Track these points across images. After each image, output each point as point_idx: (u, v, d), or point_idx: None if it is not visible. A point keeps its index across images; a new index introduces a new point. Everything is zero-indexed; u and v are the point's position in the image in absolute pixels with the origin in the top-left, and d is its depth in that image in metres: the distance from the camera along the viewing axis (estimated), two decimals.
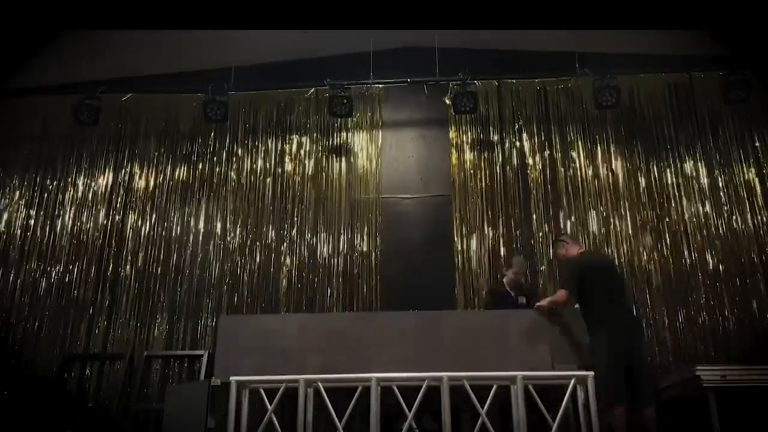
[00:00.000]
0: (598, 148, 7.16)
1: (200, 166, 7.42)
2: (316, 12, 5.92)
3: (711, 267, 6.55)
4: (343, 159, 7.37)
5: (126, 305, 6.81)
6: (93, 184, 7.40)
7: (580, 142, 7.20)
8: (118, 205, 7.26)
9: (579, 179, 7.04)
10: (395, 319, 5.80)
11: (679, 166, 7.00)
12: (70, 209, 7.28)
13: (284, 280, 6.85)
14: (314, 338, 5.76)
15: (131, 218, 7.20)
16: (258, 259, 6.95)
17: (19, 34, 6.93)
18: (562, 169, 7.09)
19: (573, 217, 6.88)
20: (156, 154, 7.50)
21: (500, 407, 4.96)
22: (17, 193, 7.38)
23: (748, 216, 6.71)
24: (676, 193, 6.88)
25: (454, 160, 7.24)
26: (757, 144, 6.99)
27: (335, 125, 7.48)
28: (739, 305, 6.37)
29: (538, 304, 4.96)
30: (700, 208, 6.80)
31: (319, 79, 7.08)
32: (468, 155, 7.27)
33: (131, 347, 6.62)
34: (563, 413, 4.71)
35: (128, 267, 6.99)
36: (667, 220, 6.79)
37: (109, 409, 6.35)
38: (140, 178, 7.40)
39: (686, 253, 6.63)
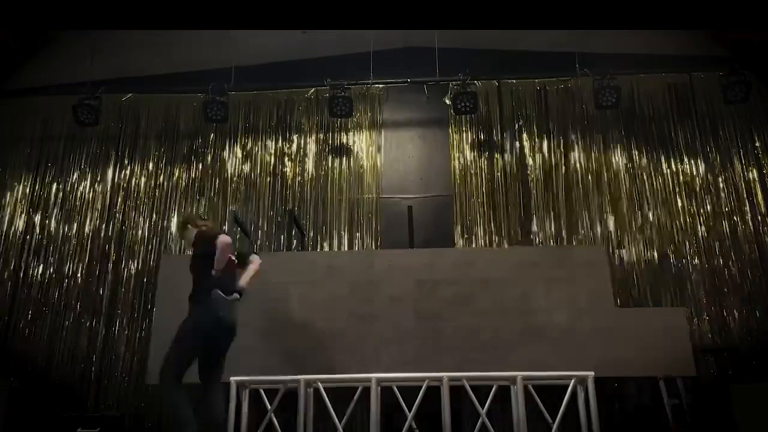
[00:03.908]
0: (598, 148, 7.16)
1: (200, 166, 7.41)
2: (316, 12, 5.92)
3: (711, 266, 6.54)
4: (344, 159, 7.37)
5: (126, 305, 6.80)
6: (93, 184, 7.40)
7: (580, 143, 7.19)
8: (118, 205, 7.26)
9: (579, 179, 7.03)
10: (395, 319, 5.81)
11: (679, 166, 7.00)
12: (71, 209, 7.28)
13: None
14: (314, 338, 5.77)
15: (131, 218, 7.19)
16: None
17: (19, 34, 6.95)
18: (562, 169, 7.09)
19: (573, 217, 6.88)
20: (156, 154, 7.50)
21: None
22: (18, 193, 7.38)
23: (748, 216, 6.71)
24: (676, 193, 6.88)
25: (454, 161, 7.24)
26: (757, 144, 6.99)
27: (335, 125, 7.48)
28: (739, 306, 6.37)
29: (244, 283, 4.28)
30: (700, 208, 6.80)
31: (319, 79, 7.08)
32: (468, 155, 7.26)
33: (131, 348, 6.62)
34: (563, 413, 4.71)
35: (128, 266, 6.98)
36: (667, 219, 6.78)
37: (109, 408, 6.35)
38: (140, 178, 7.40)
39: (686, 252, 6.62)
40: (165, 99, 7.68)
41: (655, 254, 6.65)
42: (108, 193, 7.33)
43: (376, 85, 7.40)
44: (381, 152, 7.36)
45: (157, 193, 7.30)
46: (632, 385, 6.05)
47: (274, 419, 4.83)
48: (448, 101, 7.18)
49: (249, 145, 7.50)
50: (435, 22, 6.19)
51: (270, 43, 7.19)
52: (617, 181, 6.99)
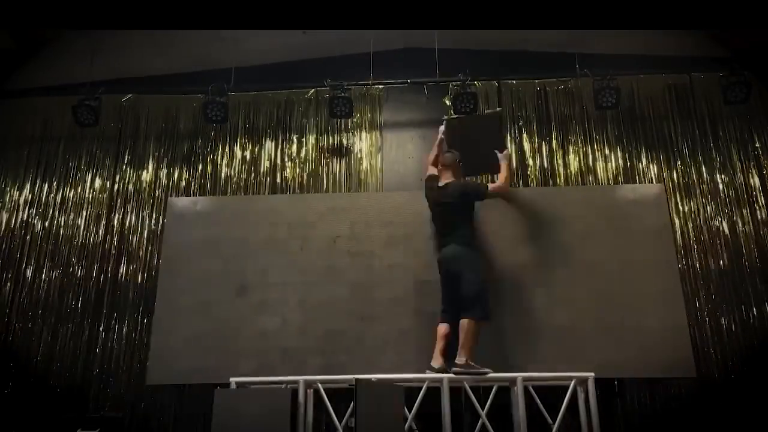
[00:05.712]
0: (598, 148, 7.16)
1: (200, 167, 7.41)
2: (316, 12, 5.92)
3: (711, 268, 6.53)
4: (343, 160, 7.37)
5: (126, 305, 6.79)
6: (93, 184, 7.39)
7: (580, 143, 7.19)
8: (118, 206, 7.25)
9: (579, 180, 7.03)
10: (395, 320, 5.81)
11: (679, 166, 7.00)
12: (70, 209, 7.27)
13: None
14: (314, 338, 5.77)
15: (131, 218, 7.19)
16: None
17: (19, 34, 6.95)
18: (562, 170, 7.08)
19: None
20: (156, 154, 7.50)
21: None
22: (17, 193, 7.38)
23: (749, 217, 6.70)
24: (676, 194, 6.87)
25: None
26: (757, 144, 6.99)
27: (335, 126, 7.47)
28: (739, 306, 6.36)
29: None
30: (700, 209, 6.79)
31: (319, 80, 7.08)
32: None
33: (131, 348, 6.61)
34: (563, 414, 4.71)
35: (129, 267, 6.97)
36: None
37: (109, 409, 6.35)
38: (140, 178, 7.40)
39: (687, 253, 6.61)
40: (165, 99, 7.67)
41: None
42: (108, 194, 7.32)
43: (376, 86, 7.41)
44: (381, 153, 7.36)
45: (156, 194, 7.30)
46: (632, 385, 6.05)
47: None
48: (448, 102, 7.18)
49: (249, 145, 7.49)
50: (435, 22, 6.19)
51: (270, 43, 7.18)
52: (617, 181, 6.98)
